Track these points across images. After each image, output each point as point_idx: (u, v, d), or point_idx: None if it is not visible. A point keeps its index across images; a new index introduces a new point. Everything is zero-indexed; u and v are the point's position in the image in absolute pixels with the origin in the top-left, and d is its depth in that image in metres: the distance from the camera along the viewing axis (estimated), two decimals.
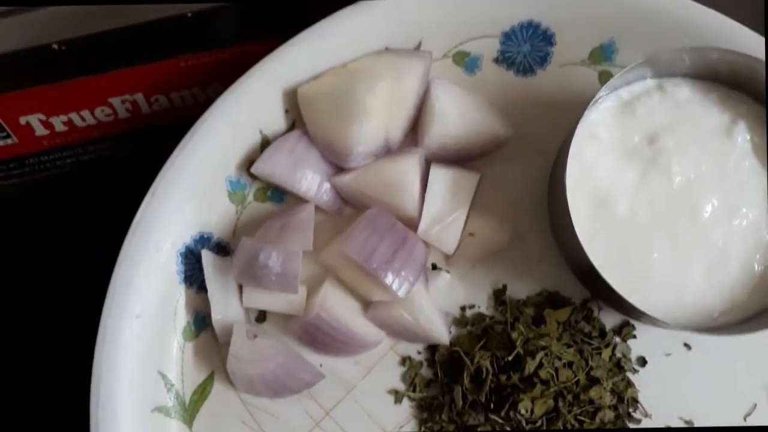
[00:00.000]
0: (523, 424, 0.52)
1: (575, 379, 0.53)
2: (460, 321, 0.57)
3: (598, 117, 0.53)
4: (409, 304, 0.54)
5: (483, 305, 0.58)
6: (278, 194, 0.59)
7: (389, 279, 0.52)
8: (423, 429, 0.55)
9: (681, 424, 0.56)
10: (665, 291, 0.51)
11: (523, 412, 0.52)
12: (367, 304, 0.56)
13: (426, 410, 0.56)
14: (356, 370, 0.57)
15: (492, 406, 0.53)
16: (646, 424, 0.56)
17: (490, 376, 0.53)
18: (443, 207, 0.55)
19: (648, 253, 0.51)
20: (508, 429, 0.52)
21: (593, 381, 0.54)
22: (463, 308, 0.57)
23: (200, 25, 0.61)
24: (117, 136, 0.65)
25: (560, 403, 0.52)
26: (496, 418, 0.53)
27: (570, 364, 0.54)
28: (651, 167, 0.52)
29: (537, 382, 0.52)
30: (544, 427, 0.52)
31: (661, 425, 0.56)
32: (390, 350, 0.57)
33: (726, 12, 0.58)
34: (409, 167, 0.55)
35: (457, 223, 0.56)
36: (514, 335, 0.54)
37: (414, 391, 0.56)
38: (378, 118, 0.55)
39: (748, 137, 0.53)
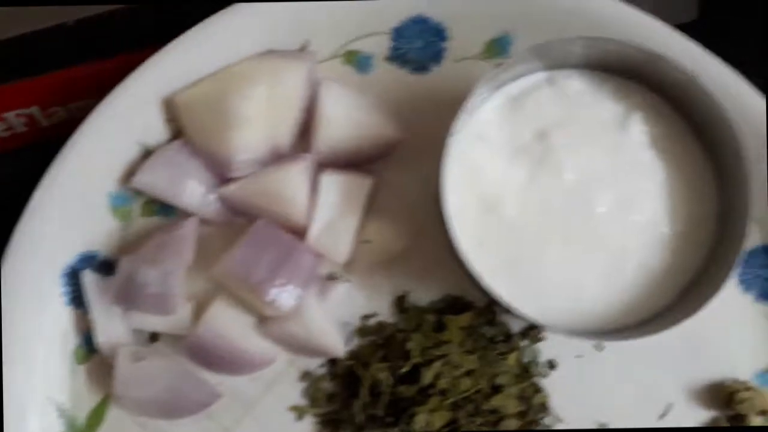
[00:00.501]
0: None
1: (477, 388, 0.51)
2: (361, 331, 0.55)
3: (485, 116, 0.51)
4: (300, 318, 0.51)
5: (385, 313, 0.55)
6: (166, 208, 0.56)
7: (272, 294, 0.49)
8: None
9: (595, 428, 0.54)
10: (561, 296, 0.49)
11: (421, 425, 0.49)
12: (264, 319, 0.54)
13: (328, 426, 0.54)
14: (255, 387, 0.55)
15: (390, 419, 0.51)
16: (557, 428, 0.54)
17: (388, 389, 0.51)
18: (334, 214, 0.53)
19: (541, 258, 0.49)
20: None
21: (496, 389, 0.52)
22: (364, 317, 0.55)
23: (87, 34, 0.60)
24: (17, 152, 0.63)
25: (460, 414, 0.50)
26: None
27: (471, 373, 0.51)
28: (541, 166, 0.50)
29: (434, 393, 0.50)
30: None
31: (574, 430, 0.54)
32: (290, 366, 0.55)
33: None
34: (294, 175, 0.53)
35: (348, 231, 0.53)
36: (410, 345, 0.52)
37: (315, 406, 0.54)
38: (258, 124, 0.53)
39: (644, 129, 0.51)
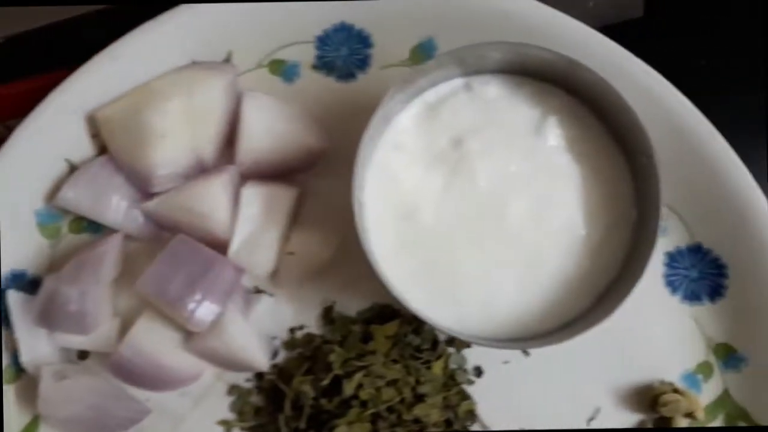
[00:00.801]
0: None
1: (399, 398, 0.51)
2: (289, 344, 0.55)
3: (402, 124, 0.51)
4: (221, 333, 0.51)
5: (313, 325, 0.55)
6: (94, 225, 0.56)
7: (188, 310, 0.49)
8: None
9: None
10: (477, 303, 0.49)
11: None
12: (189, 335, 0.53)
13: None
14: (184, 402, 0.54)
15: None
16: None
17: (309, 402, 0.51)
18: (256, 227, 0.53)
19: (457, 265, 0.49)
20: None
21: (420, 398, 0.51)
22: (292, 330, 0.55)
23: (20, 49, 0.60)
24: None
25: (380, 425, 0.50)
26: None
27: (394, 382, 0.51)
28: (457, 173, 0.50)
29: (355, 404, 0.50)
30: None
31: None
32: (218, 380, 0.55)
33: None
34: (212, 189, 0.52)
35: (270, 243, 0.53)
36: (332, 357, 0.51)
37: (243, 420, 0.54)
38: (177, 137, 0.52)
39: (561, 132, 0.50)
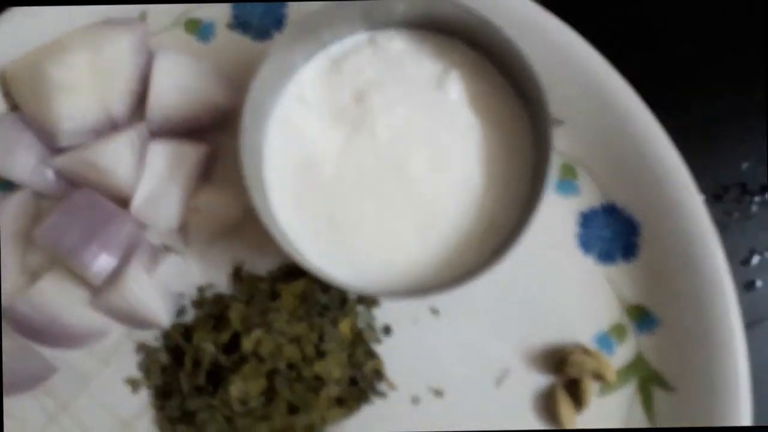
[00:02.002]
0: (236, 405, 0.49)
1: (301, 355, 0.50)
2: (198, 303, 0.54)
3: (306, 78, 0.51)
4: (123, 288, 0.51)
5: (223, 285, 0.55)
6: (7, 183, 0.56)
7: (83, 261, 0.49)
8: (158, 417, 0.53)
9: (430, 395, 0.53)
10: (376, 256, 0.48)
11: (235, 394, 0.49)
12: (94, 291, 0.53)
13: (161, 397, 0.53)
14: (92, 360, 0.54)
15: (212, 389, 0.50)
16: (392, 396, 0.53)
17: (208, 358, 0.50)
18: (160, 183, 0.53)
19: (356, 219, 0.49)
20: (224, 412, 0.49)
21: (322, 355, 0.51)
22: (200, 289, 0.55)
23: None
24: None
25: (277, 381, 0.49)
26: (213, 402, 0.50)
27: (297, 340, 0.51)
28: (358, 127, 0.49)
29: (253, 360, 0.49)
30: (260, 407, 0.49)
31: (409, 397, 0.53)
32: (126, 338, 0.54)
33: None
34: (120, 144, 0.52)
35: (174, 199, 0.53)
36: (231, 314, 0.51)
37: (149, 378, 0.53)
38: (83, 92, 0.52)
39: (462, 87, 0.50)
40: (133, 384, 0.54)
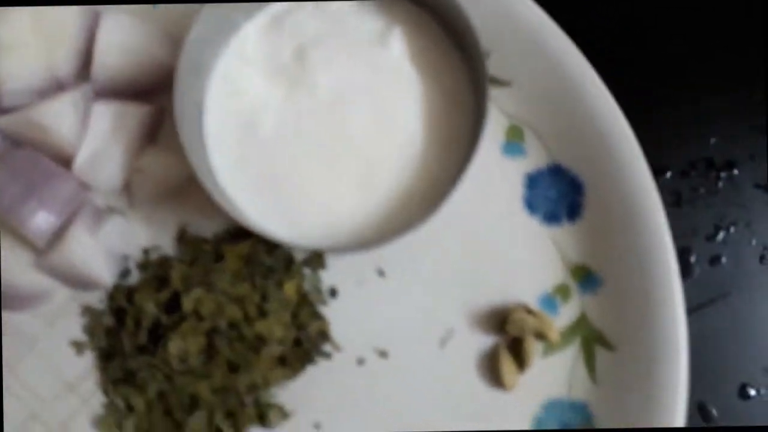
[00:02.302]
0: (176, 363, 0.49)
1: (243, 315, 0.50)
2: (143, 265, 0.54)
3: (247, 35, 0.50)
4: (64, 248, 0.50)
5: (168, 247, 0.54)
6: None
7: (22, 218, 0.49)
8: (101, 379, 0.52)
9: (375, 356, 0.53)
10: (315, 213, 0.48)
11: (174, 351, 0.49)
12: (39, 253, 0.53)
13: (105, 359, 0.53)
14: (37, 323, 0.53)
15: (153, 348, 0.50)
16: (337, 357, 0.53)
17: (150, 318, 0.50)
18: (104, 142, 0.52)
19: (296, 176, 0.48)
20: (164, 371, 0.49)
21: (265, 315, 0.50)
22: (145, 251, 0.54)
23: None
24: None
25: (217, 340, 0.49)
26: (154, 361, 0.49)
27: (240, 300, 0.50)
28: (299, 84, 0.49)
29: (193, 319, 0.49)
30: (201, 366, 0.49)
31: (354, 358, 0.53)
32: (71, 301, 0.54)
33: None
34: (63, 103, 0.52)
35: (117, 159, 0.52)
36: (172, 272, 0.51)
37: (94, 341, 0.53)
38: (26, 51, 0.52)
39: (404, 43, 0.49)
40: (78, 346, 0.53)
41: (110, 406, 0.52)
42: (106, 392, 0.52)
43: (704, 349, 0.56)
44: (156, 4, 0.55)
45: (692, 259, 0.58)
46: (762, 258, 0.59)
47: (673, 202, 0.59)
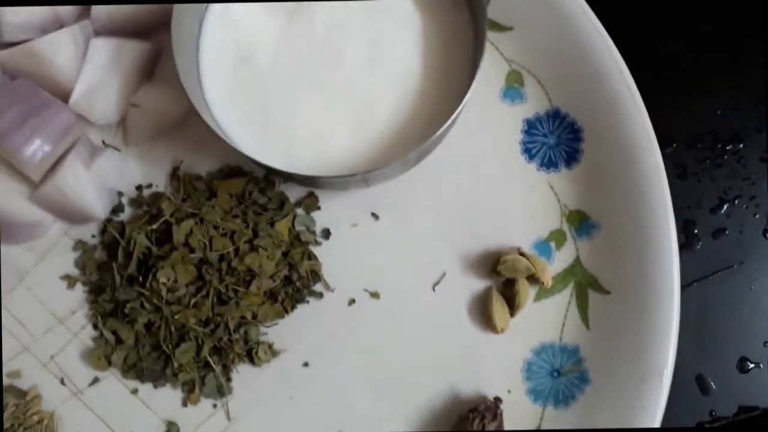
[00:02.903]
0: (164, 293, 0.48)
1: (234, 248, 0.50)
2: (136, 201, 0.54)
3: None
4: (59, 180, 0.50)
5: (161, 185, 0.54)
6: None
7: (16, 144, 0.49)
8: (91, 312, 0.52)
9: (367, 297, 0.52)
10: (309, 146, 0.48)
11: (163, 280, 0.48)
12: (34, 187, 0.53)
13: (95, 293, 0.53)
14: (29, 257, 0.54)
15: (141, 280, 0.50)
16: (328, 297, 0.52)
17: (140, 249, 0.50)
18: (101, 77, 0.52)
19: (290, 108, 0.48)
20: (154, 301, 0.49)
21: (255, 250, 0.50)
22: (139, 188, 0.54)
23: None
24: None
25: (206, 271, 0.49)
26: (142, 290, 0.49)
27: (231, 234, 0.50)
28: (296, 17, 0.49)
29: (184, 250, 0.49)
30: (189, 297, 0.49)
31: (345, 298, 0.52)
32: (64, 235, 0.54)
33: None
34: (60, 36, 0.52)
35: (113, 94, 0.52)
36: (164, 204, 0.50)
37: (85, 275, 0.53)
38: None
39: None
40: (69, 280, 0.53)
41: (100, 339, 0.52)
42: (95, 326, 0.52)
43: (705, 322, 0.56)
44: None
45: (696, 231, 0.58)
46: (765, 231, 0.58)
47: (678, 174, 0.58)
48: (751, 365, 0.56)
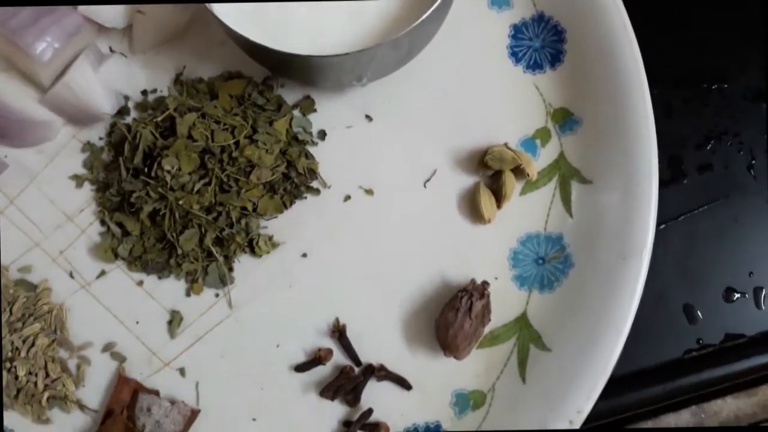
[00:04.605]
0: (169, 179, 0.51)
1: (234, 141, 0.52)
2: (141, 105, 0.56)
3: None
4: (68, 79, 0.53)
5: (166, 91, 0.57)
6: None
7: (27, 40, 0.51)
8: (98, 208, 0.55)
9: (361, 193, 0.55)
10: (304, 40, 0.50)
11: (167, 168, 0.51)
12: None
13: (102, 190, 0.55)
14: (39, 159, 0.56)
15: (147, 171, 0.52)
16: (325, 194, 0.55)
17: (146, 142, 0.52)
18: None
19: (286, 7, 0.50)
20: (159, 189, 0.51)
21: (255, 143, 0.53)
22: (144, 92, 0.57)
23: None
24: None
25: (209, 161, 0.51)
26: (148, 180, 0.52)
27: (232, 128, 0.53)
28: None
29: (187, 140, 0.52)
30: (193, 184, 0.51)
31: (341, 195, 0.55)
32: (72, 138, 0.56)
33: None
34: None
35: None
36: (168, 99, 0.53)
37: (93, 174, 0.56)
38: None
39: None
40: (78, 180, 0.56)
41: (106, 234, 0.54)
42: (102, 221, 0.55)
43: (692, 253, 0.58)
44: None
45: (682, 167, 0.60)
46: (750, 167, 0.60)
47: (663, 113, 0.60)
48: (737, 295, 0.58)
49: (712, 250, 0.59)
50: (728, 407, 0.59)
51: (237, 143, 0.52)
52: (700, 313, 0.58)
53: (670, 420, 0.59)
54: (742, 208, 0.60)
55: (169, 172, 0.51)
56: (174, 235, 0.52)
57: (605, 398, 0.54)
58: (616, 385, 0.55)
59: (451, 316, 0.50)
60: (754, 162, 0.60)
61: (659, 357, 0.57)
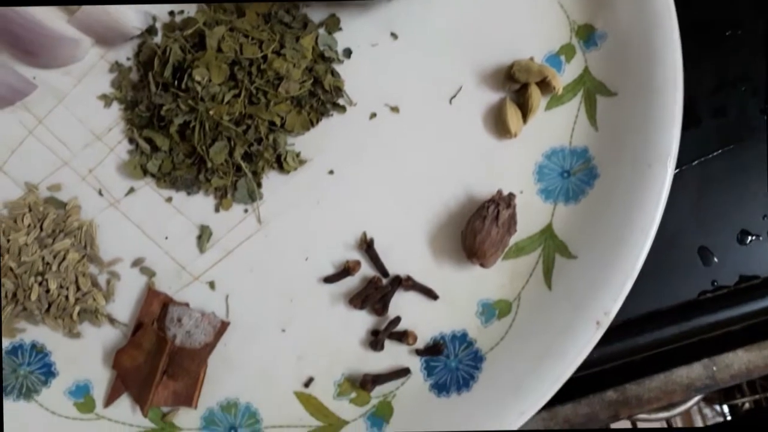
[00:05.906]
0: (199, 89, 0.51)
1: (262, 55, 0.53)
2: (168, 26, 0.57)
3: None
4: None
5: (192, 10, 0.57)
6: None
7: None
8: (127, 126, 0.55)
9: (387, 111, 0.55)
10: None
11: (198, 78, 0.51)
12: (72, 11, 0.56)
13: (131, 108, 0.56)
14: (68, 80, 0.57)
15: (177, 83, 0.53)
16: (351, 111, 0.55)
17: (176, 57, 0.53)
18: None
19: None
20: (189, 101, 0.52)
21: (282, 57, 0.53)
22: (171, 13, 0.57)
23: None
24: None
25: (238, 72, 0.52)
26: (178, 92, 0.52)
27: (260, 42, 0.53)
28: None
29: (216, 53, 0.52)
30: (223, 95, 0.52)
31: (367, 112, 0.55)
32: (101, 59, 0.57)
33: None
34: None
35: None
36: (197, 14, 0.54)
37: (121, 93, 0.56)
38: None
39: None
40: (106, 99, 0.56)
41: (135, 152, 0.55)
42: (131, 140, 0.55)
43: (707, 196, 0.59)
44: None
45: (697, 112, 0.60)
46: (763, 111, 0.61)
47: None
48: (751, 237, 0.59)
49: (727, 194, 0.60)
50: (739, 360, 0.60)
51: (265, 57, 0.53)
52: (714, 256, 0.59)
53: (682, 373, 0.60)
54: (757, 151, 0.60)
55: (199, 83, 0.51)
56: (204, 148, 0.52)
57: (621, 339, 0.56)
58: (631, 325, 0.57)
59: (478, 224, 0.50)
60: (767, 106, 0.61)
61: (674, 298, 0.58)
